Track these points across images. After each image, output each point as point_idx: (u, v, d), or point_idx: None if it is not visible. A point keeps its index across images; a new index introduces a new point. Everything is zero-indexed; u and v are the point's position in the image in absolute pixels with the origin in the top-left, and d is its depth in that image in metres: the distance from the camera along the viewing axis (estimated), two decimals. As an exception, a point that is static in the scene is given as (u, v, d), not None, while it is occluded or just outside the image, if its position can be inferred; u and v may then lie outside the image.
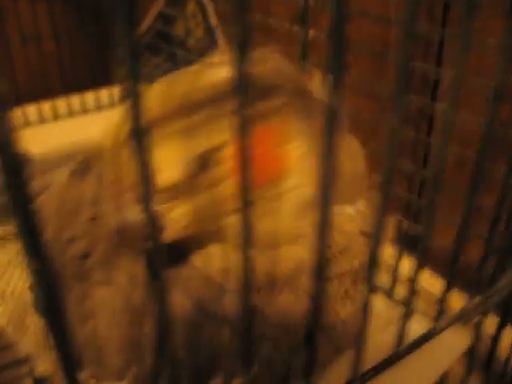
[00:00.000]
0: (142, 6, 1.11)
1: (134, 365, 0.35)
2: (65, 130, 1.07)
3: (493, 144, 0.45)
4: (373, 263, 0.28)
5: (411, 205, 0.61)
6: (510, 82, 0.34)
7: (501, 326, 0.48)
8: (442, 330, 0.37)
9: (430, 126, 0.62)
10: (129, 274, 0.36)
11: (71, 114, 1.11)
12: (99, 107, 1.14)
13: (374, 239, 0.28)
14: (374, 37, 0.59)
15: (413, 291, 0.34)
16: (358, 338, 0.30)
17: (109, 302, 0.36)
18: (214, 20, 1.00)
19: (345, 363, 0.35)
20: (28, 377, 0.63)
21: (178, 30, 1.06)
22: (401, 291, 0.61)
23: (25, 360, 0.65)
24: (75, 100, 1.11)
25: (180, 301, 0.35)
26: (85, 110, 1.12)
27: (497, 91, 0.32)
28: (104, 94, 1.15)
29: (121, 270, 0.37)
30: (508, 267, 0.43)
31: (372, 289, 0.29)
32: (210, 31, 1.00)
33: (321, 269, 0.24)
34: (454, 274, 0.37)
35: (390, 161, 0.25)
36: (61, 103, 1.10)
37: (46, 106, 1.08)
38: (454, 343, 0.39)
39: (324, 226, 0.23)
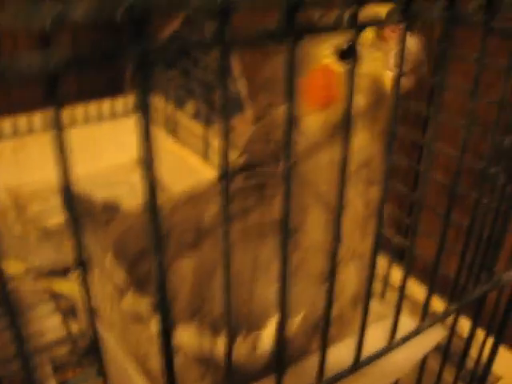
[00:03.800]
0: (159, 24, 1.19)
1: (206, 305, 0.44)
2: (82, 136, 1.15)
3: (466, 173, 0.54)
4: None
5: (401, 222, 0.70)
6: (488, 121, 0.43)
7: (473, 328, 0.56)
8: (427, 328, 0.46)
9: (420, 155, 0.71)
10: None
11: (87, 120, 1.19)
12: (114, 115, 1.22)
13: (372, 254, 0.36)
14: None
15: (402, 289, 0.42)
16: (360, 329, 0.39)
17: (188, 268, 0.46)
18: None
19: (346, 348, 0.44)
20: (48, 364, 0.71)
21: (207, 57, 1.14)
22: (391, 296, 0.70)
23: (45, 348, 0.73)
24: (92, 107, 1.19)
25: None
26: (100, 118, 1.20)
27: (464, 140, 0.40)
28: (119, 102, 1.23)
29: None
30: (481, 280, 0.52)
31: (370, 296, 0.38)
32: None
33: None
34: (434, 282, 0.45)
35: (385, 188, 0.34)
36: (78, 110, 1.18)
37: (64, 113, 1.16)
38: (428, 337, 0.47)
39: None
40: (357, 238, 0.46)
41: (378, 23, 0.27)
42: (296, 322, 0.43)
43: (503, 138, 0.47)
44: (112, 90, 1.26)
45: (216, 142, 1.06)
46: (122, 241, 0.54)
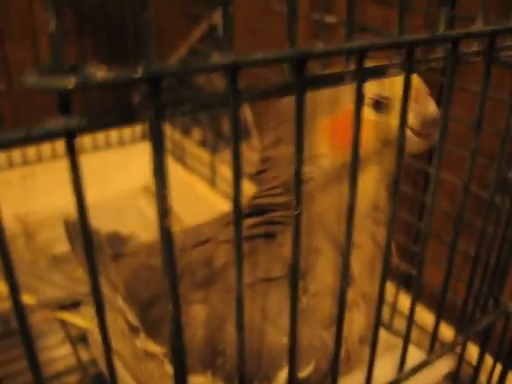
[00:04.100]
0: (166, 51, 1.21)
1: (218, 358, 0.45)
2: (90, 163, 1.16)
3: (472, 201, 0.54)
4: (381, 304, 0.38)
5: (408, 249, 0.70)
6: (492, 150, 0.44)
7: (481, 356, 0.56)
8: (436, 359, 0.47)
9: (426, 182, 0.72)
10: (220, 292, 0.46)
11: (96, 148, 1.20)
12: (122, 143, 1.23)
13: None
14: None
15: (409, 325, 0.42)
16: (369, 362, 0.39)
17: (200, 314, 0.47)
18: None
19: (355, 381, 0.44)
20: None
21: (200, 78, 1.16)
22: (398, 324, 0.71)
23: (55, 377, 0.74)
24: (100, 135, 1.20)
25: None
26: (108, 146, 1.22)
27: (469, 170, 0.41)
28: (127, 130, 1.24)
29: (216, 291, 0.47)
30: (488, 308, 0.52)
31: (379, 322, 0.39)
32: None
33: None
34: (441, 310, 0.46)
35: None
36: (86, 138, 1.19)
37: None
38: (437, 368, 0.48)
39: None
40: (367, 279, 0.47)
41: (381, 74, 0.28)
42: (308, 370, 0.44)
43: (508, 171, 0.48)
44: (134, 121, 1.27)
45: (223, 169, 1.07)
46: (133, 283, 0.55)
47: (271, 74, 0.40)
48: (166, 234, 0.23)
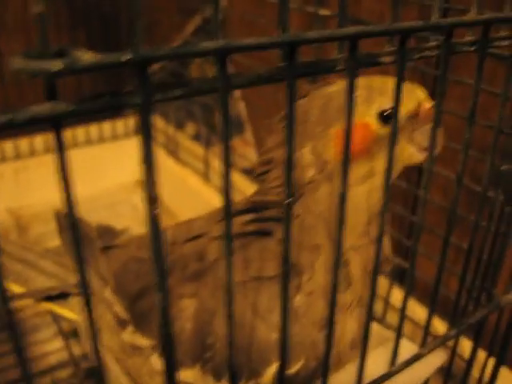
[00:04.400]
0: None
1: (207, 352, 0.45)
2: (83, 157, 1.16)
3: (466, 194, 0.54)
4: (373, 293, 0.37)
5: (401, 243, 0.70)
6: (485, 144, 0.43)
7: (474, 350, 0.56)
8: (428, 352, 0.46)
9: (419, 178, 0.72)
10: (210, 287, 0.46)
11: (89, 142, 1.20)
12: (115, 137, 1.23)
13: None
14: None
15: (402, 318, 0.42)
16: (361, 356, 0.39)
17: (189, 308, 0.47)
18: (230, 67, 1.10)
19: (347, 374, 0.44)
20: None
21: (193, 71, 1.16)
22: (391, 318, 0.70)
23: (47, 371, 0.74)
24: (93, 129, 1.20)
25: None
26: (101, 140, 1.21)
27: (462, 163, 0.41)
28: (120, 124, 1.24)
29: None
30: (481, 302, 0.52)
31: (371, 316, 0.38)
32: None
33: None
34: (434, 304, 0.45)
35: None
36: (79, 132, 1.19)
37: (66, 134, 1.17)
38: (429, 361, 0.48)
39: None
40: (365, 284, 0.47)
41: (374, 63, 0.27)
42: (296, 368, 0.44)
43: (500, 164, 0.48)
44: (113, 111, 1.27)
45: (216, 164, 1.07)
46: (122, 276, 0.54)
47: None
48: (154, 221, 0.23)
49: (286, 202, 0.26)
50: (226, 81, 0.22)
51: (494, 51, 0.47)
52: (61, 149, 0.21)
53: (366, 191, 0.45)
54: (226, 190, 0.25)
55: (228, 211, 0.26)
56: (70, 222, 0.22)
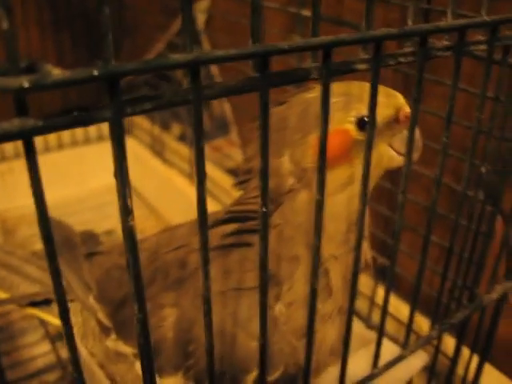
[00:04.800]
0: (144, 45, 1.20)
1: (188, 360, 0.45)
2: (69, 159, 1.16)
3: (449, 195, 0.54)
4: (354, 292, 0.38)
5: (386, 243, 0.71)
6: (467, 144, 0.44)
7: (457, 349, 0.57)
8: (411, 353, 0.47)
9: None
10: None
11: (75, 143, 1.20)
12: (101, 138, 1.22)
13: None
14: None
15: (383, 317, 0.43)
16: (342, 359, 0.40)
17: (171, 317, 0.47)
18: (214, 68, 1.11)
19: (329, 377, 0.44)
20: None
21: (177, 72, 1.15)
22: (376, 317, 0.71)
23: (35, 374, 0.73)
24: (79, 130, 1.20)
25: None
26: (88, 140, 1.21)
27: (441, 163, 0.41)
28: (105, 125, 1.23)
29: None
30: (463, 302, 0.53)
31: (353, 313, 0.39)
32: (208, 76, 1.10)
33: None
34: (416, 302, 0.46)
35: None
36: (65, 133, 1.18)
37: (51, 136, 1.17)
38: (411, 362, 0.48)
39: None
40: (345, 294, 0.47)
41: (348, 71, 0.27)
42: (275, 375, 0.44)
43: (480, 164, 0.48)
44: (94, 122, 1.27)
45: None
46: (105, 283, 0.54)
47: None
48: (129, 233, 0.23)
49: (262, 211, 0.27)
50: (198, 92, 0.22)
51: (472, 51, 0.47)
52: (32, 164, 0.21)
53: (345, 199, 0.45)
54: (202, 199, 0.25)
55: (203, 220, 0.26)
56: (43, 236, 0.22)
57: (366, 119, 0.44)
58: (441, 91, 0.63)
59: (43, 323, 0.83)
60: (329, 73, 0.26)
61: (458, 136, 0.52)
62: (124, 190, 0.22)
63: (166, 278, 0.48)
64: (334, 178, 0.44)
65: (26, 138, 0.20)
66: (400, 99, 0.46)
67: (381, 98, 0.41)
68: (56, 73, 0.19)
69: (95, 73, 0.20)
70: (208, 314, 0.28)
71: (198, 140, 0.23)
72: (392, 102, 0.45)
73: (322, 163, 0.28)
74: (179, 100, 0.22)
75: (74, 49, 1.23)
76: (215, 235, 0.47)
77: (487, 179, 0.49)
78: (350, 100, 0.44)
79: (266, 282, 0.31)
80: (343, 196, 0.45)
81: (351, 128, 0.44)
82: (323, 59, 0.26)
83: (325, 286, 0.46)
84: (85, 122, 0.20)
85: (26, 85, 0.18)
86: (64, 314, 0.24)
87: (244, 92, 0.24)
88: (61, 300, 0.24)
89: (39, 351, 0.80)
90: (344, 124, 0.44)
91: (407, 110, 0.45)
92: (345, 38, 0.26)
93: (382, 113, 0.44)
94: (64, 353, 0.79)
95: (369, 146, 0.30)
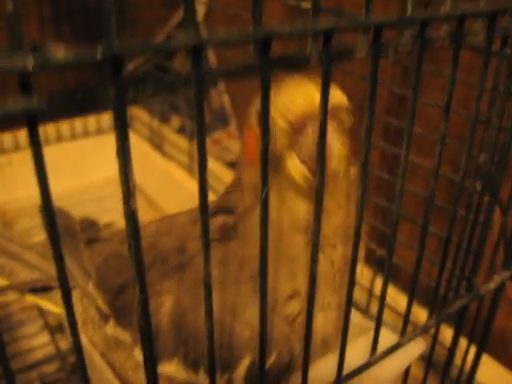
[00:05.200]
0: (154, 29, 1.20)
1: (184, 346, 0.46)
2: (68, 152, 1.16)
3: (448, 186, 0.54)
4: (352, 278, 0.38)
5: (385, 235, 0.71)
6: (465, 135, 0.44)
7: (455, 338, 0.57)
8: (407, 342, 0.47)
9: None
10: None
11: (73, 136, 1.20)
12: (100, 131, 1.23)
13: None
14: (356, 92, 0.69)
15: (381, 307, 0.43)
16: (341, 346, 0.40)
17: (167, 306, 0.47)
18: (213, 59, 1.10)
19: (325, 364, 0.45)
20: (37, 381, 0.72)
21: (177, 64, 1.15)
22: (375, 308, 0.71)
23: (34, 365, 0.74)
24: (78, 123, 1.20)
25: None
26: (86, 133, 1.21)
27: (439, 153, 0.41)
28: (105, 117, 1.23)
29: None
30: (461, 292, 0.53)
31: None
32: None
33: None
34: (413, 292, 0.46)
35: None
36: (64, 126, 1.19)
37: (50, 128, 1.17)
38: (409, 350, 0.48)
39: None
40: (325, 292, 0.47)
41: (348, 56, 0.28)
42: (269, 362, 0.45)
43: (479, 154, 0.48)
44: (97, 105, 1.27)
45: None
46: (104, 270, 0.55)
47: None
48: (131, 216, 0.23)
49: (263, 194, 0.27)
50: (199, 76, 0.23)
51: (470, 43, 0.47)
52: (36, 145, 0.21)
53: (275, 197, 0.43)
54: (203, 185, 0.25)
55: (204, 205, 0.26)
56: (47, 220, 0.23)
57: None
58: (439, 83, 0.64)
59: (42, 314, 0.84)
60: (329, 58, 0.27)
61: (457, 127, 0.53)
62: (126, 172, 0.22)
63: (164, 264, 0.48)
64: (252, 175, 0.43)
65: (30, 117, 0.20)
66: (313, 96, 0.40)
67: (284, 99, 0.40)
68: (61, 54, 0.19)
69: (99, 52, 0.20)
70: (208, 298, 0.29)
71: (200, 125, 0.23)
72: (302, 98, 0.40)
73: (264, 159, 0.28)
74: (181, 83, 0.23)
75: (73, 43, 1.23)
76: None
77: (485, 169, 0.50)
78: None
79: (265, 269, 0.31)
80: (273, 195, 0.42)
81: (254, 123, 0.43)
82: (323, 44, 0.26)
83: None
84: (88, 104, 0.20)
85: (31, 64, 0.19)
86: (66, 298, 0.24)
87: (245, 75, 0.24)
88: (63, 283, 0.24)
89: (38, 342, 0.80)
90: (251, 119, 0.44)
91: (300, 110, 0.40)
92: (345, 24, 0.27)
93: (287, 109, 0.40)
94: (63, 344, 0.79)
95: (265, 143, 0.30)
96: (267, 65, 0.24)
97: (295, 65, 0.26)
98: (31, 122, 0.20)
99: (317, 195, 0.31)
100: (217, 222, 0.48)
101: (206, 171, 0.25)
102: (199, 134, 0.23)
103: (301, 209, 0.44)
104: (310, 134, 0.39)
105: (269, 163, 0.39)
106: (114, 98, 0.20)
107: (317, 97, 0.38)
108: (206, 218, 0.26)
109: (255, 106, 0.43)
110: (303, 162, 0.40)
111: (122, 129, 0.21)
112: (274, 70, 0.25)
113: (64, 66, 0.19)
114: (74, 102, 0.20)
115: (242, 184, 0.46)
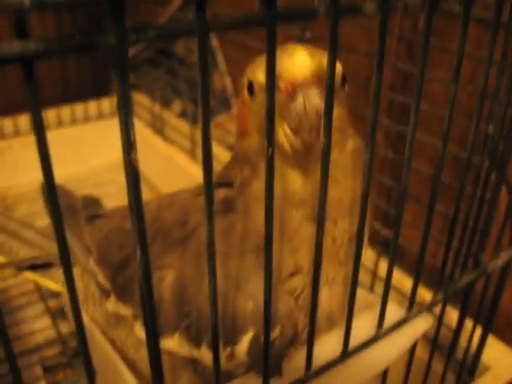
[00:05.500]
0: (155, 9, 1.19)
1: (186, 320, 0.45)
2: (69, 137, 1.15)
3: (454, 163, 0.53)
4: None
5: (389, 214, 0.70)
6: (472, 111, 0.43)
7: (461, 318, 0.56)
8: (414, 317, 0.46)
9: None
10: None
11: (74, 121, 1.19)
12: (101, 116, 1.22)
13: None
14: (361, 69, 0.69)
15: (389, 278, 0.42)
16: (347, 320, 0.39)
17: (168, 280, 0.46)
18: (215, 41, 1.09)
19: (331, 338, 0.44)
20: (38, 365, 0.71)
21: (179, 47, 1.14)
22: (379, 289, 0.70)
23: (35, 349, 0.73)
24: (79, 108, 1.19)
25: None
26: (87, 118, 1.20)
27: (446, 129, 0.40)
28: (105, 103, 1.23)
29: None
30: (468, 268, 0.52)
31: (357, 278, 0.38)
32: (210, 51, 1.08)
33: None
34: (420, 270, 0.45)
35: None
36: (65, 111, 1.18)
37: (51, 114, 1.16)
38: (415, 326, 0.48)
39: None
40: (329, 267, 0.46)
41: (356, 12, 0.27)
42: (273, 335, 0.44)
43: (487, 127, 0.47)
44: (98, 90, 1.26)
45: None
46: (105, 246, 0.54)
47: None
48: (131, 168, 0.22)
49: (268, 154, 0.26)
50: (203, 24, 0.22)
51: (479, 15, 0.46)
52: (33, 93, 0.20)
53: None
54: (207, 148, 0.24)
55: (208, 166, 0.25)
56: (48, 191, 0.22)
57: (252, 83, 0.41)
58: (446, 60, 0.63)
59: (43, 298, 0.83)
60: (337, 12, 0.26)
61: (464, 104, 0.52)
62: (127, 120, 0.21)
63: (167, 238, 0.48)
64: (245, 147, 0.43)
65: (27, 62, 0.19)
66: (302, 61, 0.39)
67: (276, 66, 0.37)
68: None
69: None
70: (212, 270, 0.28)
71: (203, 73, 0.22)
72: (290, 63, 0.38)
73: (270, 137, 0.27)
74: (184, 31, 0.22)
75: (74, 28, 1.22)
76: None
77: (493, 144, 0.49)
78: (253, 63, 0.42)
79: (271, 239, 0.30)
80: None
81: (246, 94, 0.42)
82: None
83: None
84: (88, 47, 0.19)
85: (28, 3, 0.18)
86: (68, 274, 0.24)
87: (250, 26, 0.23)
88: (65, 260, 0.23)
89: (39, 326, 0.80)
90: (243, 89, 0.43)
91: (291, 76, 0.38)
92: (354, -23, 0.26)
93: (257, 78, 0.41)
94: (64, 328, 0.79)
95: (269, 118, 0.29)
96: (274, 16, 0.23)
97: (302, 17, 0.25)
98: (27, 68, 0.19)
99: (322, 170, 0.30)
100: (219, 194, 0.47)
101: (209, 126, 0.24)
102: (203, 85, 0.22)
103: (295, 181, 0.43)
104: (301, 101, 0.37)
105: (262, 132, 0.40)
106: (115, 43, 0.19)
107: (309, 64, 0.38)
108: (210, 185, 0.26)
109: (246, 76, 0.42)
110: (292, 129, 0.39)
111: (122, 73, 0.20)
112: (280, 21, 0.24)
113: (61, 3, 0.18)
114: (72, 45, 0.19)
115: (238, 158, 0.46)
